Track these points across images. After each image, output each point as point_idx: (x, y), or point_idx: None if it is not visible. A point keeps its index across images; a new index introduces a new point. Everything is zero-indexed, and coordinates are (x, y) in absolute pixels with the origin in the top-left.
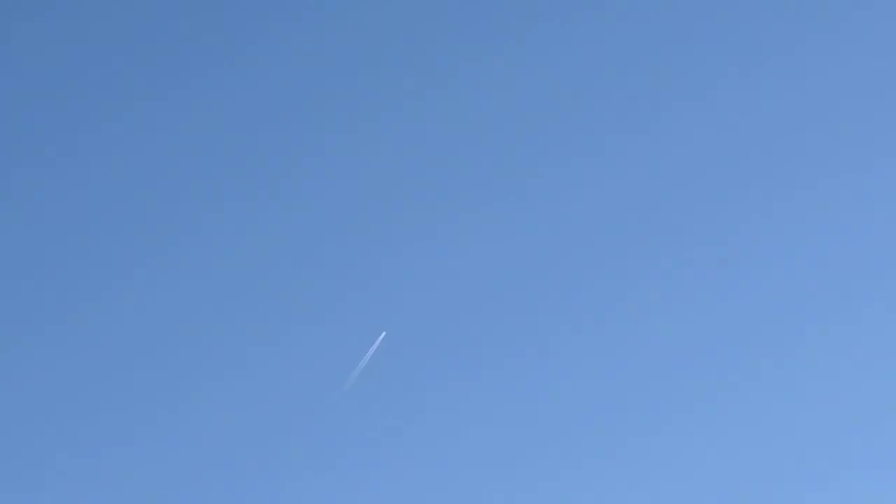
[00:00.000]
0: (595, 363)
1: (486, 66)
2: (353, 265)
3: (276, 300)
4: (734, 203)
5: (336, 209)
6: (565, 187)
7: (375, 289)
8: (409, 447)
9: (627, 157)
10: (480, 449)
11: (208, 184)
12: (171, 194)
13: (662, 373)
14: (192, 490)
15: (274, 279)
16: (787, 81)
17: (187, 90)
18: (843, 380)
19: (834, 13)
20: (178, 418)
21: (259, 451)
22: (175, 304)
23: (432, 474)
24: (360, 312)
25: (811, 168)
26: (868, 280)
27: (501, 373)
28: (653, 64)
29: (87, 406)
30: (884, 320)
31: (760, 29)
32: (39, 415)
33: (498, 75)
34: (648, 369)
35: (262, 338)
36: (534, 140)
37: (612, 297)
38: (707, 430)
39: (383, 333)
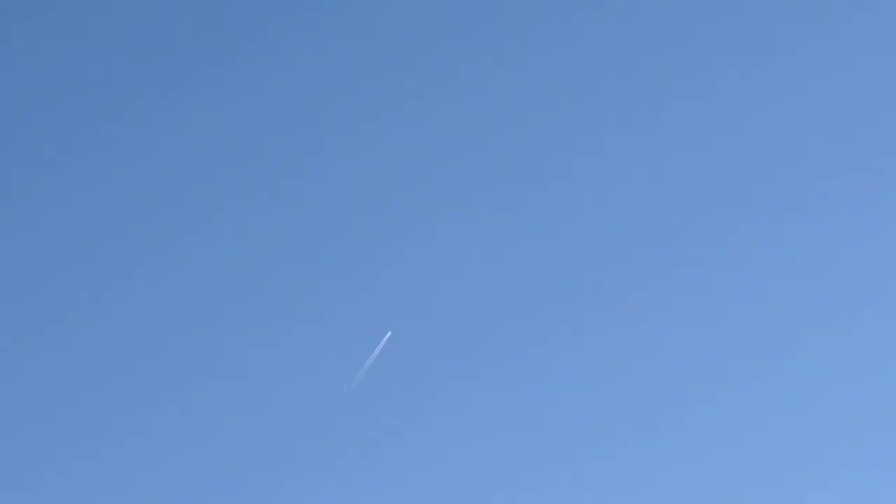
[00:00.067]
0: (597, 363)
1: (486, 67)
2: (355, 265)
3: (278, 300)
4: (734, 203)
5: (337, 209)
6: (566, 187)
7: (379, 289)
8: (412, 447)
9: (628, 158)
10: (482, 448)
11: (208, 184)
12: (172, 194)
13: (662, 373)
14: (192, 490)
15: (276, 279)
16: (787, 81)
17: (187, 90)
18: (843, 380)
19: (834, 13)
20: (179, 418)
21: (262, 452)
22: (176, 304)
23: (434, 474)
24: (364, 313)
25: (811, 168)
26: (868, 280)
27: (504, 373)
28: (653, 64)
29: (87, 406)
30: (884, 320)
31: (760, 29)
32: (39, 415)
33: (498, 75)
34: (649, 369)
35: (264, 338)
36: (534, 140)
37: (613, 297)
38: (707, 430)
39: (388, 333)
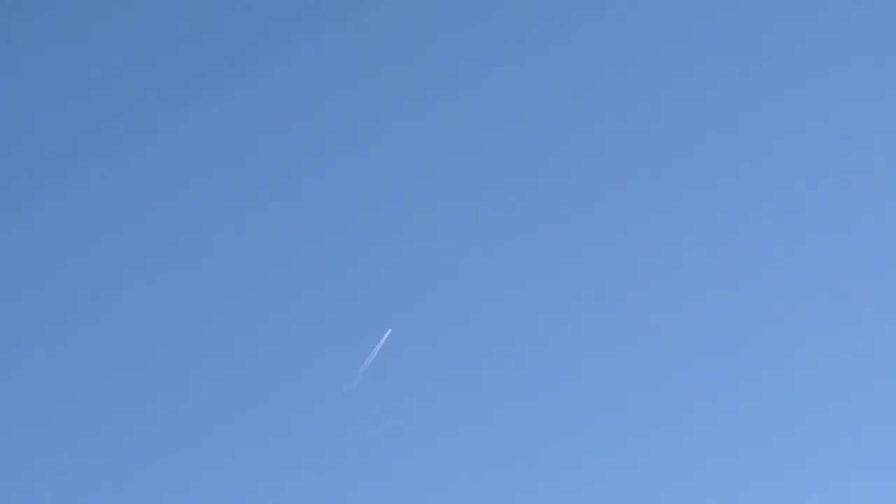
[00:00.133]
0: (597, 363)
1: (486, 67)
2: (355, 265)
3: (278, 300)
4: (734, 203)
5: (337, 209)
6: (566, 187)
7: (379, 289)
8: (412, 447)
9: (628, 158)
10: (482, 448)
11: (208, 184)
12: (172, 194)
13: (662, 373)
14: (192, 490)
15: (276, 279)
16: (787, 81)
17: (187, 90)
18: (843, 380)
19: (834, 13)
20: (179, 418)
21: (262, 451)
22: (176, 304)
23: (434, 474)
24: (364, 313)
25: (811, 168)
26: (868, 280)
27: (504, 373)
28: (653, 64)
29: (87, 406)
30: (884, 320)
31: (760, 29)
32: (39, 415)
33: (498, 76)
34: (649, 369)
35: (264, 338)
36: (534, 140)
37: (613, 297)
38: (707, 430)
39: (389, 331)
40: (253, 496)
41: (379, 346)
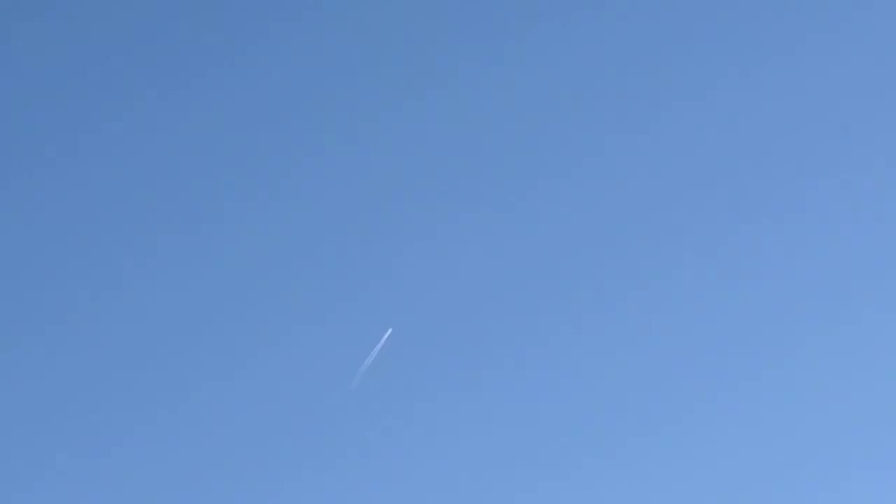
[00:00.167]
0: (597, 363)
1: (486, 67)
2: (355, 265)
3: (278, 300)
4: (734, 203)
5: (337, 209)
6: (566, 187)
7: (379, 289)
8: (412, 447)
9: (628, 158)
10: (482, 448)
11: (208, 184)
12: (172, 194)
13: (662, 373)
14: (192, 490)
15: (276, 279)
16: (787, 81)
17: (187, 90)
18: (844, 380)
19: (834, 13)
20: (179, 418)
21: (262, 451)
22: (176, 304)
23: (434, 474)
24: (364, 313)
25: (811, 168)
26: (868, 280)
27: (504, 372)
28: (653, 64)
29: (87, 406)
30: (884, 320)
31: (760, 29)
32: (39, 415)
33: (498, 76)
34: (649, 369)
35: (264, 337)
36: (534, 140)
37: (613, 297)
38: (707, 430)
39: (389, 330)
40: (253, 496)
41: (379, 345)
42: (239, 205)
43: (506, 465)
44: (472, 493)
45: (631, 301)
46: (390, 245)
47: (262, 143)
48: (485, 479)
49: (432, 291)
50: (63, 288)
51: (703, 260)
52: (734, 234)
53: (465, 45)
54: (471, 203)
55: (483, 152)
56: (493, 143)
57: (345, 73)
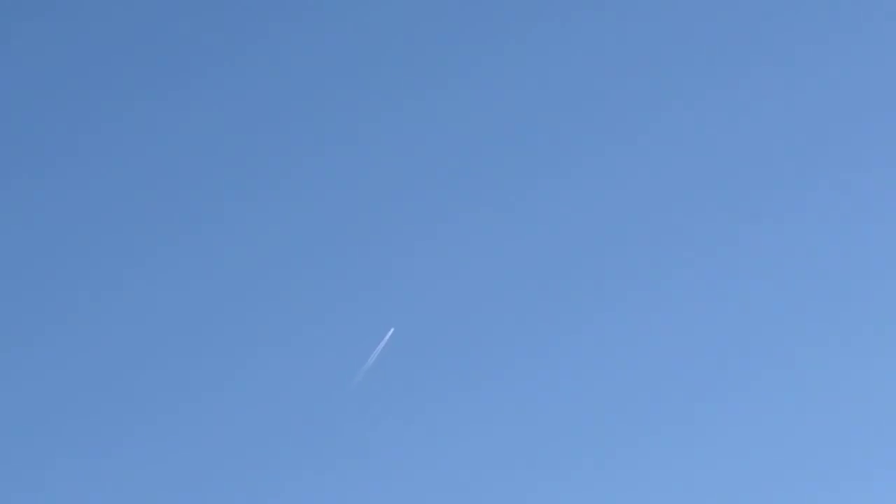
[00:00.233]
0: (597, 363)
1: (486, 67)
2: (356, 265)
3: (279, 299)
4: (734, 203)
5: (338, 209)
6: (566, 187)
7: (380, 289)
8: (413, 446)
9: (628, 158)
10: (482, 448)
11: (208, 184)
12: (172, 194)
13: (662, 373)
14: (192, 490)
15: (277, 278)
16: (786, 82)
17: (187, 90)
18: (844, 380)
19: (834, 13)
20: (179, 418)
21: (262, 451)
22: (177, 304)
23: (434, 474)
24: (365, 313)
25: (811, 168)
26: (868, 280)
27: (504, 372)
28: (653, 64)
29: (87, 406)
30: (884, 320)
31: (760, 29)
32: (39, 415)
33: (498, 76)
34: (649, 369)
35: (265, 337)
36: (534, 140)
37: (613, 297)
38: (707, 430)
39: (391, 330)
40: (253, 496)
41: (381, 345)
42: (239, 205)
43: (506, 465)
44: (473, 493)
45: (631, 301)
46: (392, 245)
47: (262, 143)
48: (485, 479)
49: (434, 291)
50: (63, 288)
51: (703, 260)
52: (734, 234)
53: (465, 45)
54: (471, 203)
55: (483, 152)
56: (493, 143)
57: (345, 73)
